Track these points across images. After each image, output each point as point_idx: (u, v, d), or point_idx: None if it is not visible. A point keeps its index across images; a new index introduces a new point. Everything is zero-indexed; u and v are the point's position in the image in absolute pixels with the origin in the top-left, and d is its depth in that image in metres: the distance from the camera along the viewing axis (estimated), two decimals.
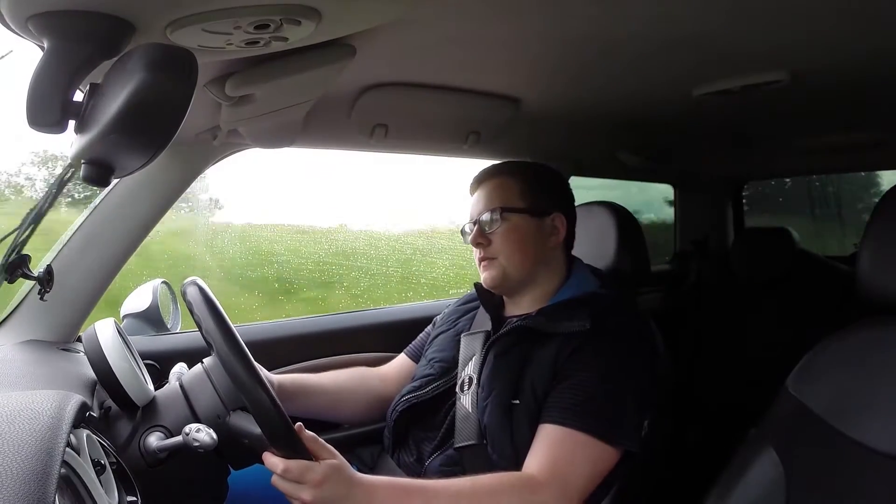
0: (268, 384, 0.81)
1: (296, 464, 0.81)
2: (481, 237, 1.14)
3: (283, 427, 0.80)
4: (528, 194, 1.15)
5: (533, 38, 0.88)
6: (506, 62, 1.00)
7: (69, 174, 1.01)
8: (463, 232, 1.20)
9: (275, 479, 0.82)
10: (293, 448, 0.82)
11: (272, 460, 0.82)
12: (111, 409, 0.89)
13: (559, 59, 0.99)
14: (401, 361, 1.33)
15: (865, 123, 1.56)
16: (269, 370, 1.16)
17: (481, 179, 1.20)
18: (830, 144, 1.76)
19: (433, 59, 0.96)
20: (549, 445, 0.95)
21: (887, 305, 0.80)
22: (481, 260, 1.15)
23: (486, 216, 1.14)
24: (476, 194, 1.19)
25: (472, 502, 0.89)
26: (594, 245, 1.36)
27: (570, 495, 0.91)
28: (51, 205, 1.01)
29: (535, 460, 0.94)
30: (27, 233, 0.99)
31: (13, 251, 0.96)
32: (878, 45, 0.93)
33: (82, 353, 0.99)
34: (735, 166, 2.27)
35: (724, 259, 2.16)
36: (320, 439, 0.86)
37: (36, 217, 0.99)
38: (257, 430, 0.82)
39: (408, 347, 1.35)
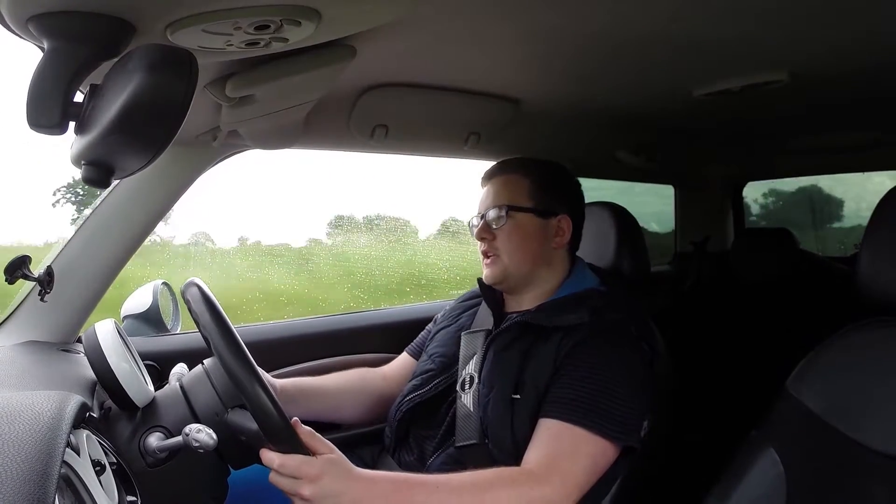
0: (264, 378, 0.82)
1: (292, 458, 0.81)
2: (486, 232, 1.15)
3: (280, 422, 0.80)
4: (537, 194, 1.15)
5: (533, 38, 0.88)
6: (506, 62, 1.00)
7: None
8: (470, 224, 1.21)
9: (272, 476, 0.82)
10: (290, 443, 0.82)
11: (269, 455, 0.82)
12: (111, 409, 0.89)
13: (559, 60, 0.99)
14: (403, 360, 1.33)
15: (865, 123, 1.56)
16: (269, 371, 1.16)
17: (493, 174, 1.20)
18: (830, 144, 1.76)
19: (433, 59, 0.96)
20: (549, 440, 0.95)
21: (887, 306, 0.79)
22: (484, 255, 1.16)
23: (492, 213, 1.15)
24: (486, 188, 1.20)
25: (472, 496, 0.89)
26: (594, 245, 1.36)
27: (570, 490, 0.91)
28: None
29: (535, 455, 0.94)
30: None
31: None
32: (878, 45, 0.93)
33: (82, 354, 0.99)
34: (735, 166, 2.27)
35: (724, 260, 2.15)
36: (317, 434, 0.86)
37: None
38: (254, 426, 0.82)
39: (409, 345, 1.35)
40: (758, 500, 0.79)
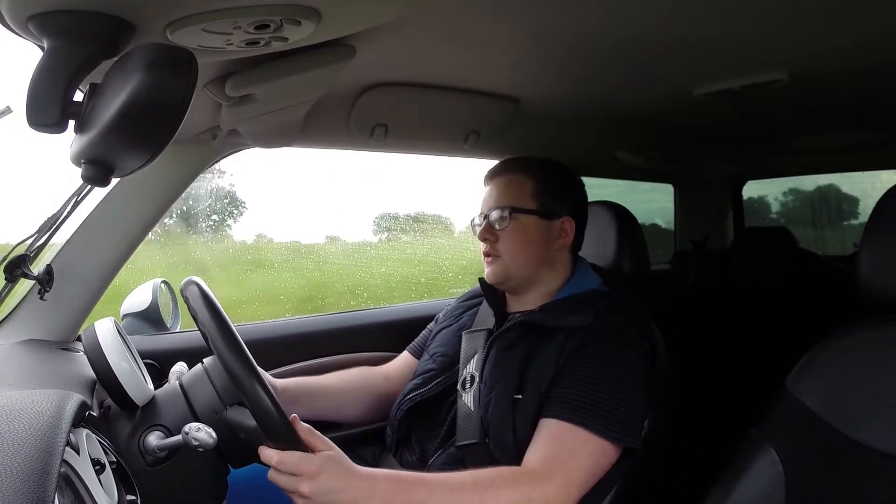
0: (261, 374, 0.82)
1: (291, 455, 0.81)
2: (488, 233, 1.15)
3: (278, 418, 0.80)
4: (540, 195, 1.14)
5: (533, 37, 0.88)
6: (506, 62, 1.00)
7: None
8: (472, 223, 1.20)
9: (271, 473, 0.82)
10: (288, 440, 0.82)
11: (267, 453, 0.82)
12: (111, 408, 0.89)
13: (559, 59, 0.99)
14: (404, 359, 1.33)
15: (865, 123, 1.56)
16: (269, 370, 1.16)
17: (496, 173, 1.20)
18: (830, 144, 1.76)
19: (433, 59, 0.96)
20: (550, 440, 0.95)
21: (887, 305, 0.80)
22: (486, 254, 1.16)
23: (495, 213, 1.14)
24: (489, 188, 1.19)
25: (472, 495, 0.88)
26: (594, 245, 1.36)
27: (570, 490, 0.91)
28: (69, 214, 1.02)
29: (536, 454, 0.94)
30: (44, 239, 0.99)
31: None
32: (878, 45, 0.93)
33: (82, 353, 0.99)
34: (735, 166, 2.27)
35: (723, 259, 2.16)
36: (316, 431, 0.86)
37: (52, 225, 0.99)
38: (253, 423, 0.82)
39: (410, 345, 1.35)
40: (757, 499, 0.79)
